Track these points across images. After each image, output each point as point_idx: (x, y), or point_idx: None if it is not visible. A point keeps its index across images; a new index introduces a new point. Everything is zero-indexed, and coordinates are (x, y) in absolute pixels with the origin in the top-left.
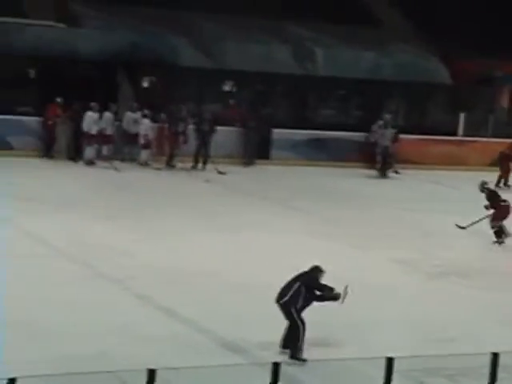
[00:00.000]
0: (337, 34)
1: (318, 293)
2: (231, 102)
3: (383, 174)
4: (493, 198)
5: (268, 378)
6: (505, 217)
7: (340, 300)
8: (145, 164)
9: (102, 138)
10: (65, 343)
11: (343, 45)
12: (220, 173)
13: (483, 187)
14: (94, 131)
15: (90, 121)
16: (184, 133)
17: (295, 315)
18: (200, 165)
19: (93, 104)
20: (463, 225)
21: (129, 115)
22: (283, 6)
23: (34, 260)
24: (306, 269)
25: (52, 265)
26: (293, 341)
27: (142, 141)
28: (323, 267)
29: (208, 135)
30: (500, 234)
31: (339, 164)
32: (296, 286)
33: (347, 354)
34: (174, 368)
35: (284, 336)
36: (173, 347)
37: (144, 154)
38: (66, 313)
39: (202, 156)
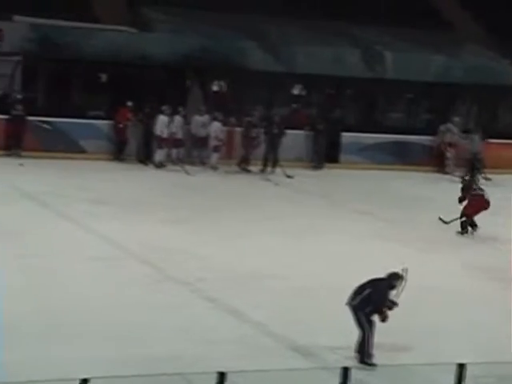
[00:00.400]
0: (406, 37)
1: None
2: (295, 106)
3: None
4: (466, 190)
5: (337, 383)
6: (476, 210)
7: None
8: (215, 167)
9: (172, 141)
10: (135, 345)
11: (413, 48)
12: (288, 176)
13: (463, 178)
14: (165, 135)
15: (162, 124)
16: (256, 137)
17: (363, 319)
18: (269, 168)
19: (164, 107)
20: (446, 220)
21: (197, 119)
22: (352, 9)
23: (106, 262)
24: (383, 275)
25: (123, 267)
26: (361, 345)
27: (213, 143)
28: (402, 274)
29: (277, 138)
30: (465, 225)
31: (408, 168)
32: (366, 292)
33: (416, 360)
34: (243, 371)
35: (357, 340)
36: (242, 350)
37: (214, 157)
38: (136, 315)
39: (271, 159)
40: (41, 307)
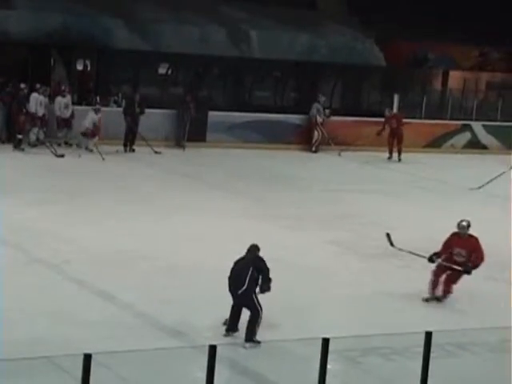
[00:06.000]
0: (271, 15)
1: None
2: None
3: None
4: None
5: (205, 361)
6: None
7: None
8: (90, 149)
9: (42, 121)
10: None
11: (278, 27)
12: (156, 152)
13: None
14: (40, 113)
15: (37, 102)
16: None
17: (255, 300)
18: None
19: (38, 86)
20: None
21: (59, 100)
22: None
23: None
24: (246, 251)
25: None
26: (251, 325)
27: (82, 130)
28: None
29: (137, 117)
30: None
31: (275, 146)
32: (250, 272)
33: (283, 336)
34: (112, 352)
35: (232, 320)
36: (110, 331)
37: (91, 143)
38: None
39: (131, 138)
40: None
